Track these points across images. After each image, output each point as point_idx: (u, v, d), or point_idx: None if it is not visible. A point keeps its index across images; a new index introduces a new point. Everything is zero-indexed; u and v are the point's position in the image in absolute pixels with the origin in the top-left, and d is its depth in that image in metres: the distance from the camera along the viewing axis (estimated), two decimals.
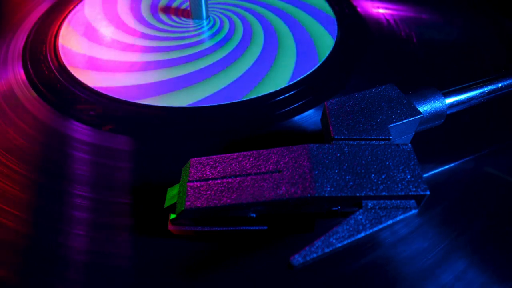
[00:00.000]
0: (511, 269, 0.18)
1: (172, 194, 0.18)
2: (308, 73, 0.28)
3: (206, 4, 0.34)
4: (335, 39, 0.32)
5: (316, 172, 0.16)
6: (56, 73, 0.28)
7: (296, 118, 0.25)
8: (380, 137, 0.18)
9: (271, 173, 0.17)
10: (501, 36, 0.33)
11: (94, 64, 0.29)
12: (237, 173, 0.17)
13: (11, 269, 0.18)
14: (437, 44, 0.32)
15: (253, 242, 0.19)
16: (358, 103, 0.20)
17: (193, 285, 0.17)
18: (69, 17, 0.35)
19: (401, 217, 0.15)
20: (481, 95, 0.22)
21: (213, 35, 0.32)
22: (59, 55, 0.30)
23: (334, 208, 0.17)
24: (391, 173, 0.16)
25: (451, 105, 0.21)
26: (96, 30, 0.33)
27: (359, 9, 0.36)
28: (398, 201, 0.16)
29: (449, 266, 0.18)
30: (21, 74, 0.29)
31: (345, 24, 0.33)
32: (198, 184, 0.17)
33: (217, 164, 0.17)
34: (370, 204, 0.16)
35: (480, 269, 0.18)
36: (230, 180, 0.17)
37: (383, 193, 0.16)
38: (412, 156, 0.17)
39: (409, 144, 0.17)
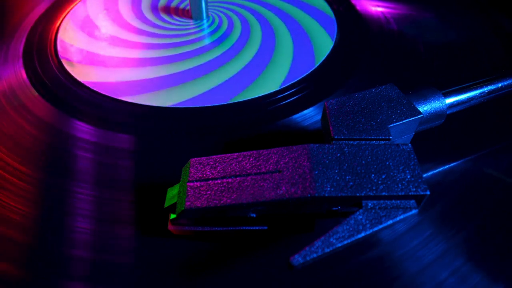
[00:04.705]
0: (508, 268, 0.18)
1: (172, 194, 0.18)
2: (308, 72, 0.28)
3: (206, 4, 0.34)
4: (335, 38, 0.32)
5: (316, 172, 0.16)
6: (56, 72, 0.28)
7: (296, 117, 0.25)
8: (380, 137, 0.18)
9: (271, 173, 0.17)
10: (501, 36, 0.32)
11: (93, 63, 0.29)
12: (237, 173, 0.17)
13: (14, 265, 0.18)
14: (437, 44, 0.32)
15: (253, 242, 0.19)
16: (358, 103, 0.20)
17: (193, 285, 0.17)
18: (69, 16, 0.35)
19: (401, 217, 0.15)
20: (481, 95, 0.22)
21: (212, 33, 0.32)
22: (59, 54, 0.30)
23: (334, 208, 0.17)
24: (391, 173, 0.16)
25: (451, 105, 0.21)
26: (95, 30, 0.33)
27: (358, 8, 0.36)
28: (398, 201, 0.16)
29: (446, 265, 0.18)
30: (22, 73, 0.29)
31: (345, 23, 0.33)
32: (198, 184, 0.17)
33: (217, 164, 0.17)
34: (370, 204, 0.16)
35: (477, 267, 0.18)
36: (230, 180, 0.17)
37: (383, 193, 0.16)
38: (412, 156, 0.17)
39: (409, 144, 0.17)
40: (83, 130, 0.24)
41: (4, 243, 0.19)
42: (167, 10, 0.36)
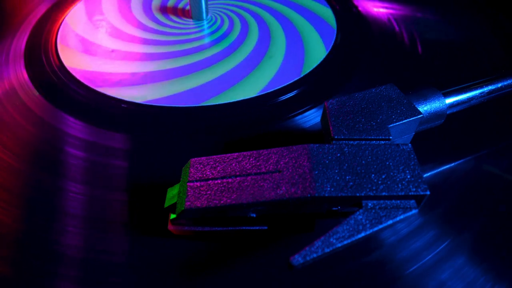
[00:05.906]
0: (509, 268, 0.18)
1: (172, 194, 0.18)
2: (308, 72, 0.28)
3: (206, 5, 0.34)
4: (335, 38, 0.32)
5: (316, 172, 0.16)
6: (58, 72, 0.28)
7: (296, 118, 0.25)
8: (380, 137, 0.18)
9: (271, 173, 0.17)
10: (501, 36, 0.32)
11: (92, 53, 0.30)
12: (237, 173, 0.17)
13: (5, 265, 0.18)
14: (438, 44, 0.32)
15: (253, 242, 0.19)
16: (358, 103, 0.20)
17: (193, 285, 0.17)
18: (69, 16, 0.35)
19: (401, 217, 0.15)
20: (481, 95, 0.22)
21: (210, 34, 0.32)
22: (60, 54, 0.30)
23: (334, 208, 0.17)
24: (391, 173, 0.16)
25: (451, 105, 0.21)
26: (95, 30, 0.33)
27: (360, 9, 0.36)
28: (398, 201, 0.16)
29: (446, 265, 0.18)
30: (23, 73, 0.29)
31: (346, 23, 0.33)
32: (198, 184, 0.17)
33: (217, 164, 0.17)
34: (370, 204, 0.16)
35: (478, 268, 0.18)
36: (230, 180, 0.17)
37: (383, 193, 0.16)
38: (412, 156, 0.17)
39: (409, 144, 0.17)
40: (83, 130, 0.24)
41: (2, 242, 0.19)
42: (174, 10, 0.36)
